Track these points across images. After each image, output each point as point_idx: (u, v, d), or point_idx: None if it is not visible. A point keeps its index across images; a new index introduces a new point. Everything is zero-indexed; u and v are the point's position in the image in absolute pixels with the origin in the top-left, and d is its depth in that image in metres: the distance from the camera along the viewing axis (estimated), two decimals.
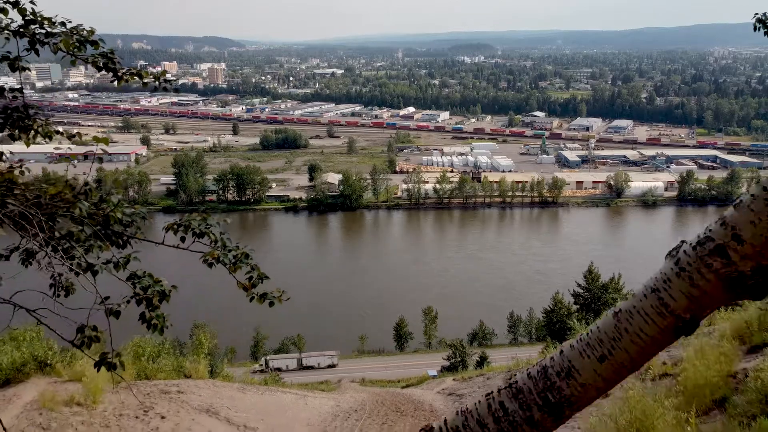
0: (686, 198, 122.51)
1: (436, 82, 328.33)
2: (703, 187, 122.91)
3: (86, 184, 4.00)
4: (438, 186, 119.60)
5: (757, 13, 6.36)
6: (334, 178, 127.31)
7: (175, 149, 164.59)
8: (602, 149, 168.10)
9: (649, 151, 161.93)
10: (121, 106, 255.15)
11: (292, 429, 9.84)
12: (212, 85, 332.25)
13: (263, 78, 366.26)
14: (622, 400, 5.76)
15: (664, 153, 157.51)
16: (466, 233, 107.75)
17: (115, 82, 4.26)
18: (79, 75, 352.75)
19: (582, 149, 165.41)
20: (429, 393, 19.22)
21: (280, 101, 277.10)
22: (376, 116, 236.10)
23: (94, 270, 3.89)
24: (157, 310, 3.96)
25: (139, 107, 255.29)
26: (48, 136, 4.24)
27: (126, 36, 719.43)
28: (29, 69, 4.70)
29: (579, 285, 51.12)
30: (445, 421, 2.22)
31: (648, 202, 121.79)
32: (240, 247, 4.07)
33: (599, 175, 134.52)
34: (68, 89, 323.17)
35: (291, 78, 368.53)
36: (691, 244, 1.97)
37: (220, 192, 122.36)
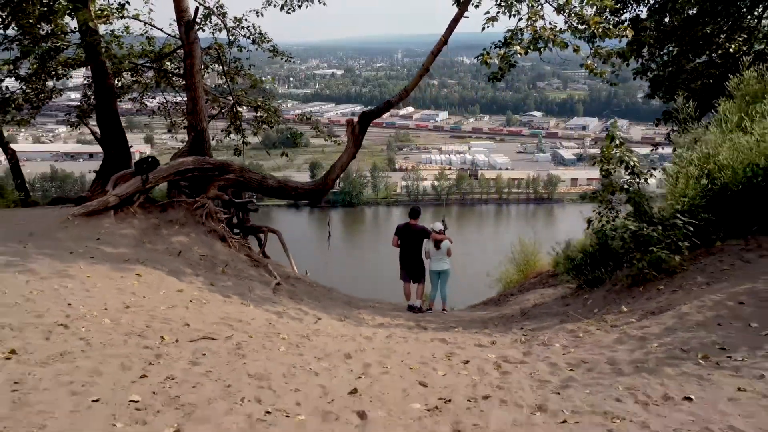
0: None
1: (435, 82, 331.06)
2: None
3: None
4: (436, 183, 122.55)
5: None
6: None
7: (178, 148, 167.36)
8: (597, 148, 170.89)
9: (644, 150, 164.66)
10: (124, 106, 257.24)
11: None
12: (213, 86, 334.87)
13: (264, 79, 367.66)
14: None
15: (657, 151, 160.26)
16: (463, 229, 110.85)
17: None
18: (78, 75, 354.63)
19: (578, 148, 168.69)
20: None
21: (280, 101, 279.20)
22: None
23: None
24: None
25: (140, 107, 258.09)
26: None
27: (123, 38, 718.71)
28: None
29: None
30: None
31: None
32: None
33: (594, 173, 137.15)
34: (69, 89, 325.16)
35: (291, 78, 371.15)
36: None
37: None
